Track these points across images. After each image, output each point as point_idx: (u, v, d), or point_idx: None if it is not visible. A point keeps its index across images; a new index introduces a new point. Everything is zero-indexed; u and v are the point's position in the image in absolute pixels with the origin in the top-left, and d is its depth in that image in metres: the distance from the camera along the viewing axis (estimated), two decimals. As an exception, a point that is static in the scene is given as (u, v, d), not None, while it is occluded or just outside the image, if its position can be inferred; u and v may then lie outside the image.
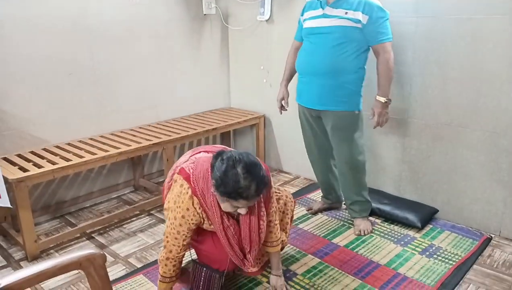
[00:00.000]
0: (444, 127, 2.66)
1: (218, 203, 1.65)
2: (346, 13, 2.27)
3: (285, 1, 3.32)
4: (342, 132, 2.46)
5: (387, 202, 2.81)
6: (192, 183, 1.68)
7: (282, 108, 2.80)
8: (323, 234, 2.61)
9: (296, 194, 3.20)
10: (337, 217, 2.83)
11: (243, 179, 1.52)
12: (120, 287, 2.14)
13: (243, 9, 3.61)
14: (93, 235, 2.72)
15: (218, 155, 1.63)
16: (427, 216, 2.70)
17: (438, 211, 2.77)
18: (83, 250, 1.23)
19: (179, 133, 3.15)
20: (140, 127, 3.29)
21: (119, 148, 2.76)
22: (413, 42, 2.66)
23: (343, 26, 2.29)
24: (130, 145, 2.81)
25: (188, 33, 3.54)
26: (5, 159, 2.60)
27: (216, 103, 3.92)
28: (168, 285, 1.86)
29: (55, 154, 2.68)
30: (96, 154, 2.65)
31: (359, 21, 2.27)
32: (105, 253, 1.26)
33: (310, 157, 2.82)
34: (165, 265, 1.82)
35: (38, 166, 2.47)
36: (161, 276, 1.85)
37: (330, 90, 2.37)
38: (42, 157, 2.62)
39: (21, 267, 2.38)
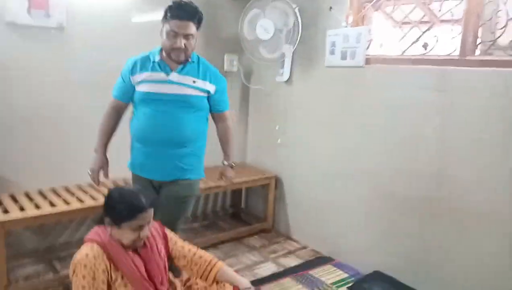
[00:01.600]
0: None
1: (121, 249, 1.66)
2: (194, 81, 2.17)
3: (305, 63, 3.21)
4: (187, 199, 2.29)
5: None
6: (95, 241, 1.67)
7: (98, 180, 2.30)
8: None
9: (295, 269, 2.90)
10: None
11: (131, 196, 1.66)
12: None
13: (264, 69, 3.54)
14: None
15: (100, 218, 1.73)
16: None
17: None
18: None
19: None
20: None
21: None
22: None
23: (194, 95, 2.17)
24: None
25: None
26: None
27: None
28: None
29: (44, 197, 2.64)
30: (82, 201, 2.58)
31: (207, 91, 2.22)
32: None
33: None
34: None
35: (21, 209, 2.42)
36: None
37: (181, 159, 2.20)
38: (30, 199, 2.59)
39: (-14, 313, 2.28)
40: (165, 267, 1.78)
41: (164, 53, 2.14)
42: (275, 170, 3.56)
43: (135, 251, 1.71)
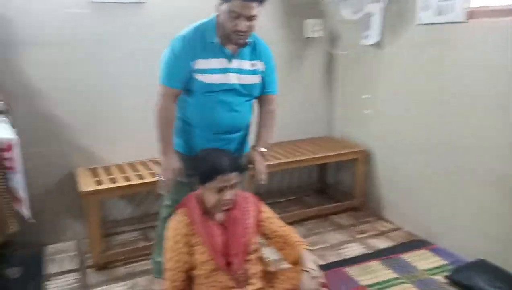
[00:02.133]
0: None
1: (203, 215, 1.70)
2: (252, 64, 1.96)
3: (394, 23, 2.85)
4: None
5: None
6: (182, 207, 1.76)
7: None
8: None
9: (386, 252, 2.68)
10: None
11: (215, 157, 1.69)
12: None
13: (349, 32, 3.25)
14: (159, 255, 2.71)
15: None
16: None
17: None
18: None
19: (269, 160, 2.97)
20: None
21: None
22: None
23: (255, 84, 1.98)
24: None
25: (286, 57, 3.35)
26: (92, 170, 2.78)
27: (316, 131, 3.61)
28: None
29: (137, 170, 2.77)
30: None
31: (262, 72, 2.00)
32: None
33: None
34: None
35: (112, 181, 2.57)
36: None
37: (238, 140, 2.06)
38: (123, 172, 2.74)
39: (85, 274, 2.50)
40: (248, 242, 1.73)
41: (220, 32, 1.87)
42: (365, 144, 3.29)
43: (219, 221, 1.72)
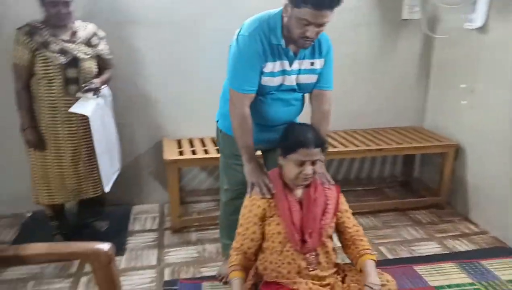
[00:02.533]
0: None
1: (283, 189, 1.71)
2: (312, 63, 1.82)
3: (506, 6, 2.53)
4: None
5: None
6: None
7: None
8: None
9: (463, 255, 2.48)
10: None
11: (300, 131, 1.70)
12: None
13: (451, 14, 2.96)
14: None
15: None
16: None
17: None
18: (92, 243, 1.28)
19: (347, 146, 2.92)
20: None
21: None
22: None
23: (310, 83, 1.87)
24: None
25: (379, 39, 3.18)
26: (178, 141, 2.99)
27: (405, 121, 3.41)
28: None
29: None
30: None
31: (319, 71, 1.86)
32: (114, 250, 1.25)
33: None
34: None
35: (193, 153, 2.75)
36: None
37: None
38: (204, 145, 2.89)
39: (162, 235, 2.73)
40: (325, 225, 1.71)
41: (285, 32, 1.74)
42: (457, 138, 3.02)
43: (298, 199, 1.73)
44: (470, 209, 2.95)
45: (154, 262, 2.44)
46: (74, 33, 2.36)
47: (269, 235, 1.70)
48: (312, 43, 1.74)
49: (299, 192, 1.74)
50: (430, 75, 3.31)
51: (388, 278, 1.67)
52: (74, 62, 2.31)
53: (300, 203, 1.72)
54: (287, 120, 1.92)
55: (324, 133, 1.90)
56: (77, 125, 2.39)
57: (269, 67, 1.76)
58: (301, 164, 1.64)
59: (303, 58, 1.81)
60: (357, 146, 2.93)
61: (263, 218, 1.71)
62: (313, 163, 1.67)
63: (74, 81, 2.33)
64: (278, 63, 1.77)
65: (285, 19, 1.70)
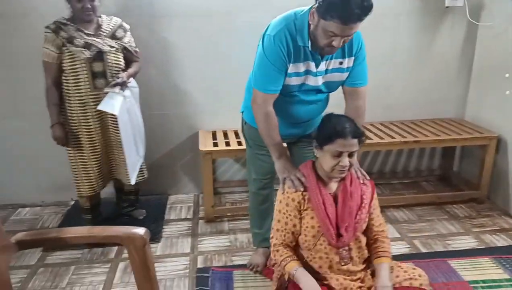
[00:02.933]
0: None
1: (317, 182, 1.68)
2: (340, 63, 1.77)
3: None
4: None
5: None
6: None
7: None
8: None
9: (501, 251, 2.40)
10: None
11: (338, 121, 1.63)
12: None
13: (498, 1, 2.83)
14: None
15: None
16: None
17: None
18: (129, 227, 1.35)
19: (382, 138, 2.89)
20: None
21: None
22: None
23: (337, 81, 1.83)
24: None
25: (419, 29, 3.09)
26: (213, 133, 3.05)
27: (445, 113, 3.31)
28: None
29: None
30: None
31: (348, 69, 1.80)
32: (148, 235, 1.32)
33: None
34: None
35: (227, 144, 2.80)
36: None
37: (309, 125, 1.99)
38: (238, 138, 2.93)
39: (196, 224, 2.81)
40: (358, 220, 1.69)
41: (311, 36, 1.68)
42: (499, 130, 2.91)
43: (333, 192, 1.71)
44: (511, 203, 2.83)
45: (187, 250, 2.52)
46: (99, 27, 2.38)
47: (303, 228, 1.69)
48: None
49: (333, 186, 1.71)
50: (473, 65, 3.18)
51: (420, 273, 1.64)
52: (100, 56, 2.33)
53: (334, 197, 1.70)
54: (310, 118, 1.93)
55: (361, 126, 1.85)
56: (106, 118, 2.45)
57: (294, 67, 1.74)
58: (338, 155, 1.60)
59: (331, 59, 1.76)
60: (393, 138, 2.88)
61: (299, 211, 1.70)
62: (350, 155, 1.61)
63: (101, 75, 2.36)
64: (303, 64, 1.74)
65: (312, 26, 1.65)
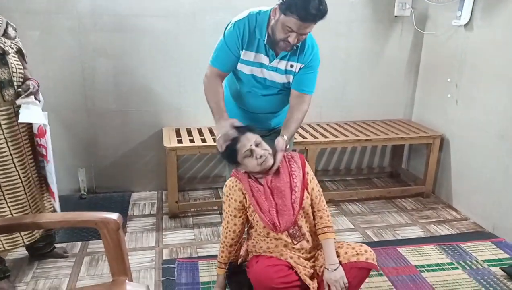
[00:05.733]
0: None
1: (252, 181, 1.78)
2: (291, 66, 1.94)
3: (491, 3, 2.69)
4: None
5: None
6: (234, 175, 1.86)
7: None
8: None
9: (444, 239, 2.64)
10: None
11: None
12: (208, 264, 2.33)
13: (441, 11, 3.12)
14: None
15: None
16: None
17: None
18: (103, 213, 1.42)
19: (337, 137, 3.07)
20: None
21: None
22: None
23: (288, 82, 1.99)
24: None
25: (371, 35, 3.33)
26: (177, 130, 3.12)
27: (395, 114, 3.57)
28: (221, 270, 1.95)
29: (213, 134, 3.04)
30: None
31: (295, 73, 1.97)
32: (121, 220, 1.40)
33: None
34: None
35: (191, 141, 2.88)
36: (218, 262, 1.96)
37: (272, 119, 2.18)
38: (202, 135, 3.03)
39: (161, 220, 2.86)
40: (295, 201, 1.77)
41: (269, 31, 1.85)
42: (442, 129, 3.19)
43: (266, 185, 1.77)
44: (453, 197, 3.11)
45: (153, 243, 2.58)
46: None
47: (254, 222, 1.82)
48: (293, 48, 1.86)
49: (264, 178, 1.78)
50: (419, 70, 3.46)
51: (366, 249, 1.76)
52: (3, 59, 1.88)
53: (270, 187, 1.77)
54: (266, 110, 2.08)
55: (294, 123, 1.98)
56: (21, 137, 1.99)
57: (245, 55, 1.93)
58: (250, 154, 1.72)
59: (283, 59, 1.92)
60: (347, 136, 3.09)
61: (243, 209, 1.82)
62: (257, 145, 1.73)
63: (7, 83, 1.89)
64: (255, 54, 1.92)
65: (272, 21, 1.82)
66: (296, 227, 1.80)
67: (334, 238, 1.81)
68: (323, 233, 1.81)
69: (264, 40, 1.88)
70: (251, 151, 1.73)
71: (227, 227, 1.86)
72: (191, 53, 3.05)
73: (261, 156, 1.72)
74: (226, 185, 1.86)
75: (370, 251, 1.76)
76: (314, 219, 1.85)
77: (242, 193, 1.80)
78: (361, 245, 1.79)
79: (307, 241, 1.82)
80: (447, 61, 3.10)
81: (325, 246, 1.78)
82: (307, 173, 1.85)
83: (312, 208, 1.85)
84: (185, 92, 3.13)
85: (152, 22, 2.94)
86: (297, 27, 1.74)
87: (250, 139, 1.74)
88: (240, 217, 1.83)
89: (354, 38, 3.31)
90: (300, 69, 1.96)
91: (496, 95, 2.68)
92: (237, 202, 1.80)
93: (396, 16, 3.30)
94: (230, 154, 1.78)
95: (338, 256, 1.76)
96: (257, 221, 1.80)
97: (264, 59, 1.93)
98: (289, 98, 2.05)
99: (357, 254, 1.74)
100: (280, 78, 1.99)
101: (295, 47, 1.87)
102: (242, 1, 2.93)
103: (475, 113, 2.86)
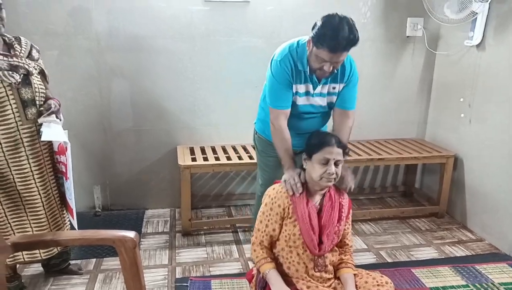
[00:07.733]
0: None
1: (304, 194, 1.78)
2: (333, 88, 2.03)
3: (501, 23, 2.71)
4: None
5: None
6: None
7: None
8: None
9: (459, 260, 2.60)
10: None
11: (323, 134, 1.85)
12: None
13: (452, 32, 3.14)
14: (238, 230, 3.00)
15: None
16: None
17: None
18: (120, 231, 1.44)
19: (350, 156, 3.07)
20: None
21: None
22: None
23: (330, 102, 2.08)
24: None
25: (383, 55, 3.35)
26: (191, 149, 3.16)
27: (408, 133, 3.57)
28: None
29: (227, 153, 3.08)
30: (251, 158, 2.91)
31: (338, 92, 2.06)
32: (138, 238, 1.42)
33: None
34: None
35: (205, 159, 2.92)
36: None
37: None
38: (215, 153, 3.06)
39: (174, 238, 2.88)
40: (337, 231, 1.80)
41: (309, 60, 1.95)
42: (455, 149, 3.17)
43: (316, 204, 1.80)
44: (468, 217, 3.08)
45: (166, 261, 2.59)
46: (9, 46, 1.96)
47: (284, 234, 1.79)
48: (331, 74, 1.93)
49: (317, 198, 1.82)
50: (432, 89, 3.47)
51: (387, 280, 1.77)
52: (26, 80, 1.93)
53: (318, 208, 1.80)
54: (309, 129, 2.08)
55: (345, 138, 2.05)
56: (42, 155, 2.04)
57: (295, 87, 2.00)
58: (326, 162, 1.72)
59: (326, 83, 2.01)
60: (360, 155, 3.09)
61: (282, 218, 1.80)
62: (336, 164, 1.73)
63: (30, 103, 1.95)
64: (303, 85, 2.00)
65: (308, 52, 1.91)
66: (323, 257, 1.80)
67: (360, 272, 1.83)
68: (346, 268, 1.82)
69: (307, 72, 1.96)
70: (328, 161, 1.72)
71: (265, 230, 1.81)
72: (206, 73, 3.11)
73: (330, 174, 1.72)
74: (273, 188, 1.85)
75: (391, 283, 1.75)
76: (342, 254, 1.88)
77: (288, 201, 1.79)
78: (381, 276, 1.78)
79: (326, 273, 1.81)
80: (460, 80, 3.11)
81: (347, 278, 1.79)
82: (351, 215, 1.91)
83: (344, 246, 1.89)
84: (199, 111, 3.19)
85: (167, 43, 3.01)
86: (329, 58, 1.80)
87: (336, 154, 1.74)
88: (280, 224, 1.80)
89: (366, 58, 3.34)
90: (342, 88, 2.04)
91: (509, 114, 2.67)
92: (281, 208, 1.79)
93: (408, 37, 3.33)
94: (313, 146, 1.76)
95: (356, 285, 1.76)
96: (290, 234, 1.77)
97: (310, 87, 2.01)
98: (329, 116, 2.14)
99: (378, 285, 1.73)
100: (323, 101, 2.06)
101: (331, 74, 1.94)
102: (256, 25, 3.06)
103: (489, 132, 2.85)
